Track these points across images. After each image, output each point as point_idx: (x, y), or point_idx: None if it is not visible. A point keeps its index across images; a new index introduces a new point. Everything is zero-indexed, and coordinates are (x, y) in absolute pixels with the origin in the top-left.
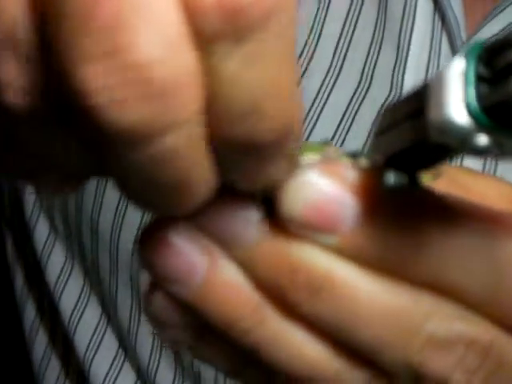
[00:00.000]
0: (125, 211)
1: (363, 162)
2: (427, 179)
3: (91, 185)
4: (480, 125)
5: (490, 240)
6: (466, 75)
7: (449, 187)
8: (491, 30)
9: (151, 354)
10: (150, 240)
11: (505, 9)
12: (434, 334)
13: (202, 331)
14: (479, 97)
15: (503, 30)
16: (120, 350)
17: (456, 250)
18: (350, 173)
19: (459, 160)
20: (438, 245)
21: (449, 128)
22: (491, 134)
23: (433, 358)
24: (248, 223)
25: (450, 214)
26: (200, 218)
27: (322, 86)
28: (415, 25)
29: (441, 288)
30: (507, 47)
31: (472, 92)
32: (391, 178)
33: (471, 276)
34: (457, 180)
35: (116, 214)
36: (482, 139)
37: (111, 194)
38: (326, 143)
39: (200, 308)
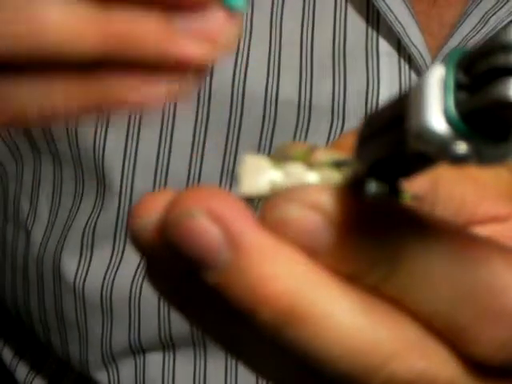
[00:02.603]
0: None
1: (347, 171)
2: (407, 199)
3: None
4: (458, 132)
5: (459, 264)
6: (444, 82)
7: (456, 177)
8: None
9: None
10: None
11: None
12: (394, 373)
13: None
14: (458, 104)
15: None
16: None
17: (424, 268)
18: (325, 197)
19: None
20: (408, 261)
21: (427, 136)
22: (470, 142)
23: None
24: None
25: (423, 232)
26: None
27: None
28: (381, 71)
29: (408, 308)
30: (485, 54)
31: (450, 99)
32: (373, 187)
33: (436, 297)
34: (467, 172)
35: None
36: (461, 147)
37: None
38: (312, 148)
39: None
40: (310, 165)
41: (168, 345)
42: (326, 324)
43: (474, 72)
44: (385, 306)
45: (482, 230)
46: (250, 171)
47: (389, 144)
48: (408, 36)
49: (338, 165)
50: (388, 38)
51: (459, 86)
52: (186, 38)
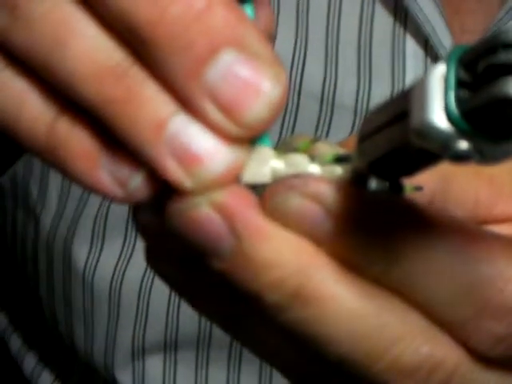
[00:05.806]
0: None
1: (348, 166)
2: (409, 190)
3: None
4: (460, 130)
5: (459, 258)
6: (446, 79)
7: (470, 176)
8: None
9: None
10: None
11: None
12: (399, 358)
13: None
14: (459, 102)
15: None
16: None
17: (424, 262)
18: (325, 187)
19: None
20: (408, 254)
21: (428, 133)
22: (471, 140)
23: (395, 380)
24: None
25: (426, 226)
26: None
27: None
28: (406, 74)
29: (411, 301)
30: (487, 51)
31: (452, 97)
32: (373, 183)
33: (436, 290)
34: (482, 170)
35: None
36: (463, 144)
37: None
38: (314, 140)
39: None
40: (313, 157)
41: (171, 346)
42: (331, 306)
43: (475, 70)
44: (388, 294)
45: (499, 230)
46: (253, 160)
47: (390, 140)
48: (438, 36)
49: (339, 159)
50: (415, 37)
51: (461, 84)
52: (169, 153)
